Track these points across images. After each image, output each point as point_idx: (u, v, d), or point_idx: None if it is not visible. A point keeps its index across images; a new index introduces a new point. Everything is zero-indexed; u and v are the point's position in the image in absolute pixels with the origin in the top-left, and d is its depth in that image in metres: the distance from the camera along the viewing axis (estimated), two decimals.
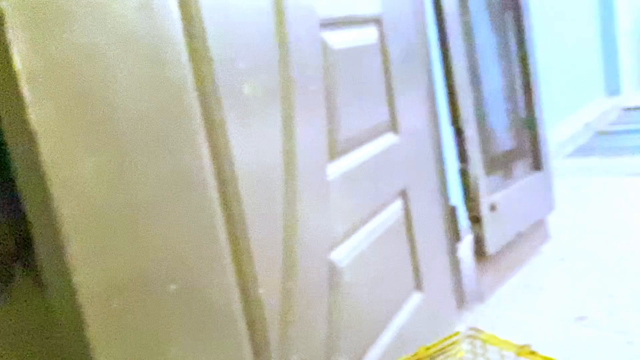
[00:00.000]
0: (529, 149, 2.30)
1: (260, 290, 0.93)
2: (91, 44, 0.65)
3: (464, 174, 1.89)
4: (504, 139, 2.21)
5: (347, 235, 1.23)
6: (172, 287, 0.73)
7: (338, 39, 1.24)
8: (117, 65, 0.68)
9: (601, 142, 4.86)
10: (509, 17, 2.20)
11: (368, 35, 1.39)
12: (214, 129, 0.86)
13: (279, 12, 1.02)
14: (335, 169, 1.21)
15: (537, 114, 2.29)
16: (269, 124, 0.98)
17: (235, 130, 0.89)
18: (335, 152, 1.22)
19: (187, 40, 0.81)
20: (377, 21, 1.41)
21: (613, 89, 6.81)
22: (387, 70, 1.46)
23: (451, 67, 1.78)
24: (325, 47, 1.18)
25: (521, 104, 2.29)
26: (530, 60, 2.26)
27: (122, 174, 0.68)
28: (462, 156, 1.88)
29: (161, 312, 0.71)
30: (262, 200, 0.95)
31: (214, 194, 0.84)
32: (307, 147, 1.08)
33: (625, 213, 2.69)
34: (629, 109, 6.24)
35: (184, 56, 0.80)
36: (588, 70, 6.41)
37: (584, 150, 4.63)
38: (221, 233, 0.85)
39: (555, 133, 4.48)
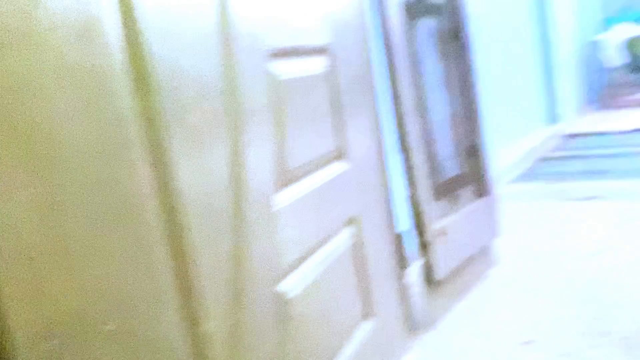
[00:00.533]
0: (474, 175, 2.35)
1: (207, 325, 0.90)
2: (25, 74, 0.62)
3: (412, 200, 1.91)
4: (451, 166, 2.26)
5: (297, 264, 1.22)
6: (108, 327, 0.70)
7: (287, 68, 1.25)
8: (53, 96, 0.66)
9: (544, 168, 5.04)
10: (454, 47, 2.27)
11: (317, 64, 1.40)
12: (158, 159, 0.84)
13: (226, 41, 1.01)
14: (285, 197, 1.20)
15: (481, 142, 2.36)
16: (216, 153, 0.97)
17: (181, 160, 0.87)
18: (284, 180, 1.21)
19: (131, 69, 0.79)
20: (325, 51, 1.43)
21: (553, 117, 7.11)
22: (336, 99, 1.47)
23: (399, 96, 1.81)
24: (273, 77, 1.18)
25: (466, 131, 2.35)
26: (475, 89, 2.33)
27: (56, 209, 0.65)
28: (411, 183, 1.90)
29: (96, 354, 0.68)
30: (210, 231, 0.93)
31: (157, 226, 0.82)
32: (255, 177, 1.07)
33: (569, 237, 2.78)
34: (569, 135, 6.51)
35: (127, 86, 0.78)
36: (530, 99, 6.67)
37: (527, 176, 4.79)
38: (165, 267, 0.82)
39: (500, 159, 4.61)
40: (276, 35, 1.21)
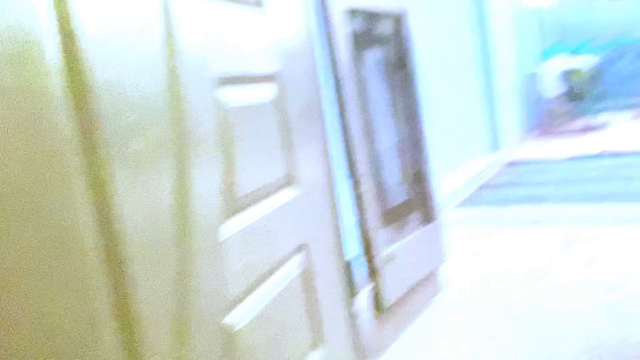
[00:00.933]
0: (421, 201, 2.39)
1: None
2: None
3: (361, 226, 1.92)
4: (398, 193, 2.29)
5: (244, 295, 1.19)
6: None
7: (235, 95, 1.24)
8: None
9: (486, 194, 5.18)
10: (400, 77, 2.32)
11: (266, 92, 1.39)
12: (99, 187, 0.81)
13: (173, 67, 1.00)
14: (233, 226, 1.18)
15: (426, 168, 2.40)
16: (160, 180, 0.94)
17: (123, 188, 0.84)
18: (232, 209, 1.19)
19: (71, 95, 0.76)
20: (274, 79, 1.43)
21: (495, 144, 7.35)
22: (285, 126, 1.47)
23: (347, 123, 1.83)
24: (221, 104, 1.17)
25: (413, 158, 2.39)
26: (420, 118, 2.38)
27: None
28: (360, 209, 1.91)
29: None
30: (152, 263, 0.90)
31: (96, 257, 0.78)
32: (201, 205, 1.05)
33: (511, 262, 2.85)
34: (510, 162, 6.74)
35: (67, 111, 0.75)
36: (473, 127, 6.89)
37: (471, 202, 4.90)
38: (104, 300, 0.79)
39: (445, 185, 4.72)
40: (225, 63, 1.20)
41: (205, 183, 1.07)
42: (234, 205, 1.19)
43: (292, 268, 1.45)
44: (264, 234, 1.31)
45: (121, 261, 0.83)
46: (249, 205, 1.27)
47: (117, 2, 0.88)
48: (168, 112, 0.98)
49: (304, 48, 1.62)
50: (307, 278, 1.52)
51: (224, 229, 1.14)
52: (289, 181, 1.48)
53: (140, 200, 0.88)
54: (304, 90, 1.61)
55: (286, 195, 1.45)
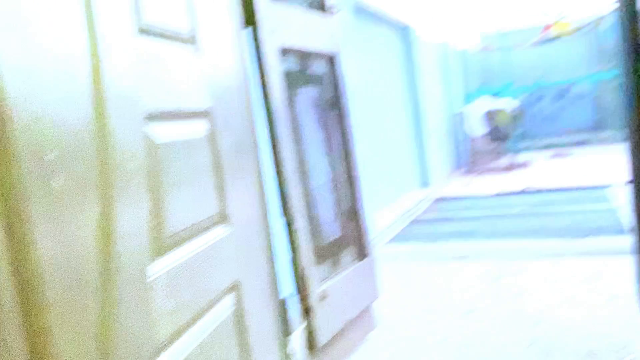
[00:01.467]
0: (354, 238, 2.40)
1: None
2: None
3: (294, 264, 1.90)
4: (332, 229, 2.29)
5: (174, 338, 1.14)
6: None
7: (166, 131, 1.21)
8: None
9: (417, 229, 5.29)
10: (333, 115, 2.35)
11: (198, 128, 1.37)
12: (15, 227, 0.76)
13: (99, 102, 0.96)
14: (161, 266, 1.13)
15: (360, 205, 2.43)
16: (83, 219, 0.89)
17: (41, 228, 0.79)
18: (160, 248, 1.15)
19: None
20: (207, 115, 1.41)
21: (425, 181, 7.56)
22: (218, 163, 1.45)
23: (281, 161, 1.82)
24: (150, 140, 1.14)
25: (346, 195, 2.41)
26: (353, 155, 2.42)
27: None
28: (293, 247, 1.89)
29: None
30: (73, 308, 0.85)
31: (11, 302, 0.73)
32: (127, 244, 1.01)
33: (442, 297, 2.90)
34: (439, 199, 6.93)
35: None
36: (404, 164, 7.07)
37: (402, 237, 4.99)
38: (19, 349, 0.73)
39: (377, 221, 4.78)
40: (156, 98, 1.17)
41: (132, 221, 1.03)
42: (162, 244, 1.15)
43: (224, 308, 1.41)
44: (195, 273, 1.27)
45: (38, 308, 0.78)
46: (178, 244, 1.23)
47: (39, 34, 0.84)
48: (94, 148, 0.94)
49: (237, 85, 1.62)
50: (239, 318, 1.48)
51: (152, 269, 1.10)
52: (221, 219, 1.45)
53: (60, 240, 0.83)
54: (238, 127, 1.60)
55: (218, 233, 1.42)
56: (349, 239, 2.38)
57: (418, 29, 7.78)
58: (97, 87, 0.97)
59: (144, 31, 1.17)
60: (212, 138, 1.42)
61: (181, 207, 1.25)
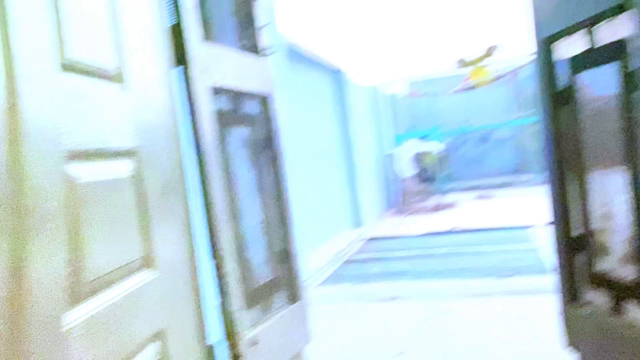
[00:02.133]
0: (286, 281, 2.36)
1: None
2: None
3: (223, 309, 1.84)
4: (263, 272, 2.24)
5: None
6: None
7: (88, 171, 1.15)
8: None
9: (349, 270, 5.30)
10: (266, 155, 2.34)
11: (123, 167, 1.32)
12: None
13: (15, 140, 0.91)
14: (79, 314, 1.06)
15: (292, 247, 2.40)
16: None
17: None
18: (78, 294, 1.08)
19: None
20: (133, 154, 1.36)
21: (357, 221, 7.63)
22: (143, 204, 1.39)
23: (211, 202, 1.78)
24: (70, 180, 1.08)
25: (278, 237, 2.38)
26: (286, 196, 2.40)
27: None
28: (222, 291, 1.83)
29: None
30: None
31: None
32: (40, 292, 0.93)
33: (374, 339, 2.89)
34: (371, 239, 7.00)
35: None
36: (336, 205, 7.12)
37: (334, 279, 4.98)
38: None
39: (310, 262, 4.75)
40: (78, 137, 1.12)
41: (47, 266, 0.96)
42: (80, 291, 1.08)
43: (149, 357, 1.34)
44: (116, 322, 1.20)
45: None
46: (98, 290, 1.16)
47: None
48: (6, 189, 0.88)
49: (166, 124, 1.58)
50: None
51: (68, 317, 1.03)
52: (145, 263, 1.38)
53: None
54: (166, 167, 1.55)
55: (142, 278, 1.35)
56: (281, 282, 2.34)
57: (350, 72, 7.99)
58: (13, 125, 0.91)
59: (67, 67, 1.12)
60: (138, 178, 1.37)
61: (103, 250, 1.18)
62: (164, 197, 1.51)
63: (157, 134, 1.52)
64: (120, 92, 1.34)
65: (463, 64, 9.25)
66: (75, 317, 1.04)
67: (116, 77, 1.33)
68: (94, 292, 1.14)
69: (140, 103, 1.44)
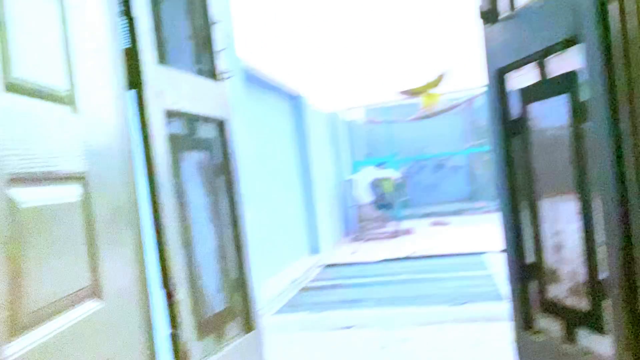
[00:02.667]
0: (240, 309, 2.31)
1: None
2: None
3: (175, 340, 1.78)
4: (217, 300, 2.19)
5: None
6: None
7: (32, 195, 1.10)
8: None
9: (305, 297, 5.24)
10: (221, 181, 2.30)
11: (70, 192, 1.27)
12: None
13: None
14: (19, 347, 1.01)
15: (247, 274, 2.35)
16: None
17: None
18: (17, 327, 1.02)
19: None
20: (81, 178, 1.31)
21: (314, 248, 7.60)
22: (91, 230, 1.34)
23: (162, 228, 1.73)
24: (13, 204, 1.03)
25: (232, 264, 2.33)
26: (241, 222, 2.36)
27: None
28: (173, 321, 1.77)
29: None
30: None
31: None
32: None
33: None
34: (328, 265, 6.97)
35: None
36: (293, 231, 7.07)
37: (290, 307, 4.91)
38: None
39: (265, 290, 4.68)
40: (22, 159, 1.07)
41: None
42: (20, 323, 1.02)
43: None
44: (61, 354, 1.14)
45: None
46: (41, 321, 1.10)
47: None
48: None
49: (118, 148, 1.53)
50: None
51: (9, 350, 0.97)
52: (92, 292, 1.32)
53: None
54: (117, 192, 1.50)
55: (89, 308, 1.29)
56: (235, 311, 2.28)
57: (309, 97, 8.04)
58: None
59: (12, 88, 1.08)
60: (86, 203, 1.32)
61: (47, 279, 1.13)
62: (114, 223, 1.46)
63: (109, 158, 1.48)
64: (71, 115, 1.30)
65: (410, 92, 9.38)
66: (16, 349, 0.99)
67: (66, 99, 1.29)
68: (36, 322, 1.08)
69: (92, 126, 1.39)
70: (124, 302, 1.48)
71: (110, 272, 1.40)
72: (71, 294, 1.22)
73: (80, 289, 1.27)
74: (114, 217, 1.46)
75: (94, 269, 1.33)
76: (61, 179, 1.23)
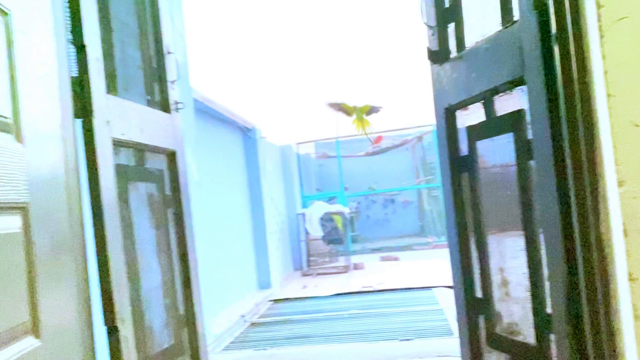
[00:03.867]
0: (188, 346, 2.24)
1: None
2: None
3: None
4: (164, 337, 2.11)
5: None
6: None
7: None
8: None
9: (254, 333, 5.13)
10: (170, 213, 2.25)
11: (9, 224, 1.21)
12: None
13: None
14: None
15: (196, 309, 2.29)
16: None
17: None
18: None
19: None
20: (21, 209, 1.25)
21: (264, 283, 7.50)
22: (31, 263, 1.27)
23: (107, 262, 1.67)
24: None
25: (180, 299, 2.26)
26: (191, 256, 2.31)
27: None
28: (116, 359, 1.70)
29: None
30: None
31: None
32: None
33: None
34: (277, 300, 6.87)
35: None
36: (243, 265, 6.97)
37: (239, 343, 4.80)
38: None
39: (214, 326, 4.57)
40: None
41: None
42: None
43: None
44: None
45: None
46: None
47: None
48: None
49: (63, 178, 1.48)
50: None
51: None
52: (29, 329, 1.25)
53: None
54: (61, 224, 1.44)
55: (25, 346, 1.22)
56: (183, 348, 2.21)
57: (262, 130, 8.04)
58: None
59: None
60: (25, 235, 1.26)
61: None
62: (57, 256, 1.40)
63: (53, 188, 1.42)
64: (13, 143, 1.25)
65: (337, 107, 9.41)
66: None
67: (8, 127, 1.24)
68: None
69: (36, 155, 1.34)
70: (64, 340, 1.41)
71: (50, 307, 1.33)
72: (5, 332, 1.15)
73: (16, 326, 1.20)
74: (56, 249, 1.40)
75: (32, 304, 1.27)
76: (0, 209, 1.17)
